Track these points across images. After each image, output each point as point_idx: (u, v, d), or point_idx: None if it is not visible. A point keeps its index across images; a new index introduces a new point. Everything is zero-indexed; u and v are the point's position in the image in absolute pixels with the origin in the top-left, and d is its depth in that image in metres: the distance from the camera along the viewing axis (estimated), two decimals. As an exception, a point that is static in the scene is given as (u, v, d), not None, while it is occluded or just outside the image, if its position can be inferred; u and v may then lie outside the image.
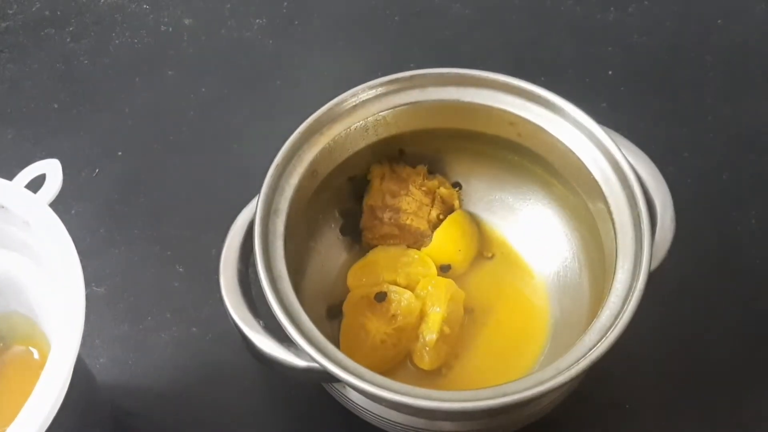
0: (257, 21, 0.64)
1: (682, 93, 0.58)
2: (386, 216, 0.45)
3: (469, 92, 0.42)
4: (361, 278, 0.45)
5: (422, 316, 0.42)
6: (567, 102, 0.41)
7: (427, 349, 0.41)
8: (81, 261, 0.34)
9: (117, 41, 0.63)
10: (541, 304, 0.45)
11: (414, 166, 0.46)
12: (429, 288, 0.43)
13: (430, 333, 0.41)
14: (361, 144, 0.43)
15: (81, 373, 0.37)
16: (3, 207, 0.36)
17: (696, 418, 0.45)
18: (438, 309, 0.42)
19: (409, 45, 0.62)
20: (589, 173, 0.39)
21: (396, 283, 0.44)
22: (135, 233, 0.53)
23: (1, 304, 0.42)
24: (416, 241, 0.45)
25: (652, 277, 0.36)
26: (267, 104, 0.59)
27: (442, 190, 0.46)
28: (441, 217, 0.46)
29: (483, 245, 0.47)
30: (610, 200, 0.38)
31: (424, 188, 0.45)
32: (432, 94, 0.42)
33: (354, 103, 0.42)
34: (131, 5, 0.65)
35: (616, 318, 0.35)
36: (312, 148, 0.41)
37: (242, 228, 0.39)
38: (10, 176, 0.38)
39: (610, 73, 0.59)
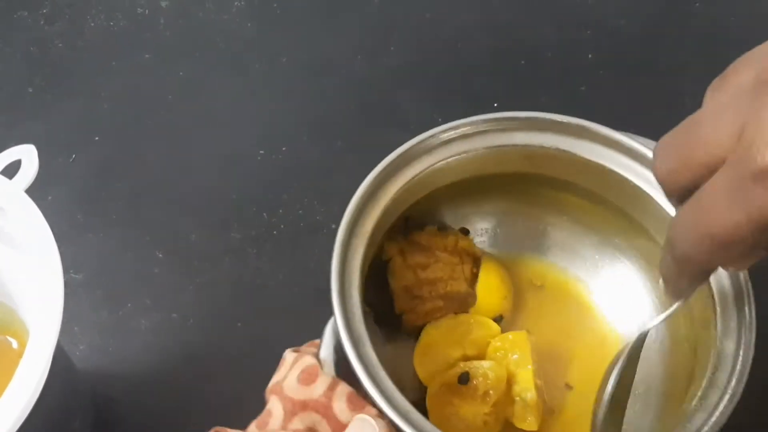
0: (236, 3, 0.63)
1: (661, 77, 0.58)
2: (425, 291, 0.41)
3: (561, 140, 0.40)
4: (429, 366, 0.41)
5: (510, 377, 0.40)
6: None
7: (531, 408, 0.39)
8: (58, 247, 0.34)
9: (92, 24, 0.62)
10: (608, 334, 0.43)
11: (422, 229, 0.43)
12: (504, 347, 0.40)
13: (527, 392, 0.39)
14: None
15: (61, 361, 0.37)
16: (-22, 193, 0.36)
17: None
18: (527, 366, 0.39)
19: (390, 27, 0.61)
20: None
21: (468, 358, 0.40)
22: (113, 219, 0.52)
23: (-23, 292, 0.41)
24: (462, 305, 0.42)
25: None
26: (246, 87, 0.58)
27: (463, 243, 0.43)
28: (474, 270, 0.43)
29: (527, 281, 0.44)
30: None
31: (448, 249, 0.42)
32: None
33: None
34: (106, -13, 0.64)
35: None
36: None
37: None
38: (-16, 162, 0.37)
39: (590, 56, 0.59)
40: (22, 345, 0.42)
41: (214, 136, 0.56)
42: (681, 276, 0.29)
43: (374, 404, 0.32)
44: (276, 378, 0.35)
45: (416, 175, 0.39)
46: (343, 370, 0.34)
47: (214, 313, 0.48)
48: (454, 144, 0.39)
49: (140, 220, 0.52)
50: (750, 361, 0.34)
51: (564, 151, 0.39)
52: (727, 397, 0.33)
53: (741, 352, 0.34)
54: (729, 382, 0.33)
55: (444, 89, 0.58)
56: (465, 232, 0.44)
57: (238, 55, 0.60)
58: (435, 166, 0.39)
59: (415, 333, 0.41)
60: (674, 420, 0.35)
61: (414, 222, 0.42)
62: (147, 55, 0.60)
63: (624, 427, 0.38)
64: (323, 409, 0.33)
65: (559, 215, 0.44)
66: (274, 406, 0.34)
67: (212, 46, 0.61)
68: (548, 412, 0.40)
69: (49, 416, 0.35)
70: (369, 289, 0.39)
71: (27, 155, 0.38)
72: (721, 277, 0.35)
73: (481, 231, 0.45)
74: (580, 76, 0.58)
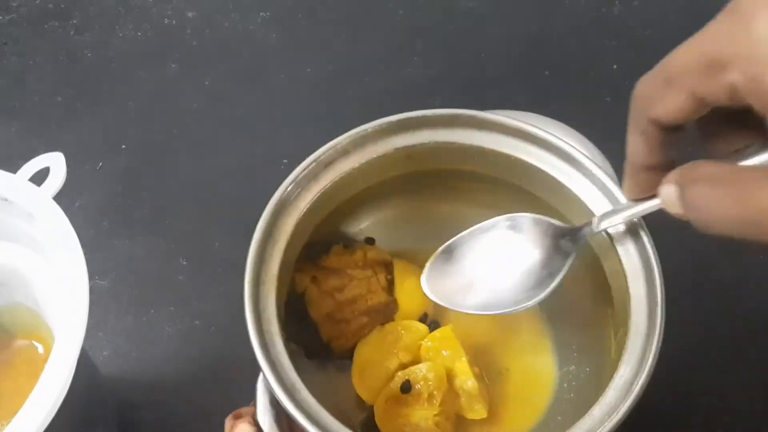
0: (261, 14, 0.64)
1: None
2: (348, 313, 0.40)
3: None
4: (370, 384, 0.40)
5: (449, 373, 0.39)
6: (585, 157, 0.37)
7: (475, 396, 0.39)
8: (84, 254, 0.34)
9: (120, 34, 0.63)
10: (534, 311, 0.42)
11: (328, 252, 0.42)
12: (435, 346, 0.40)
13: (467, 382, 0.39)
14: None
15: (85, 366, 0.37)
16: (7, 200, 0.37)
17: (701, 416, 0.45)
18: (461, 358, 0.39)
19: (413, 38, 0.62)
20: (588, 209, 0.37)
21: (404, 365, 0.40)
22: (138, 226, 0.53)
23: (5, 297, 0.42)
24: (386, 315, 0.41)
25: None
26: (271, 96, 0.59)
27: (371, 253, 0.42)
28: (389, 277, 0.42)
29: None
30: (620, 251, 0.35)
31: (359, 264, 0.42)
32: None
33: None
34: (135, -2, 0.65)
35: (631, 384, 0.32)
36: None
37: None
38: (14, 169, 0.38)
39: (614, 67, 0.59)
40: (48, 350, 0.42)
41: (238, 145, 0.56)
42: (636, 125, 0.28)
43: None
44: None
45: (306, 205, 0.38)
46: (285, 422, 0.34)
47: (237, 320, 0.48)
48: (337, 164, 0.39)
49: (165, 227, 0.53)
50: (662, 299, 0.33)
51: (443, 143, 0.39)
52: (650, 340, 0.33)
53: (655, 292, 0.33)
54: (649, 327, 0.33)
55: (468, 100, 0.58)
56: (370, 241, 0.43)
57: (264, 64, 0.61)
58: (324, 190, 0.38)
59: (348, 356, 0.41)
60: (608, 373, 0.34)
61: (317, 247, 0.41)
62: (173, 65, 0.61)
63: (566, 386, 0.39)
64: None
65: (466, 204, 0.43)
66: None
67: (238, 55, 0.61)
68: (496, 397, 0.40)
69: (73, 420, 0.35)
70: (290, 324, 0.38)
71: (55, 163, 0.38)
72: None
73: (389, 236, 0.44)
74: (605, 86, 0.58)
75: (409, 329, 0.41)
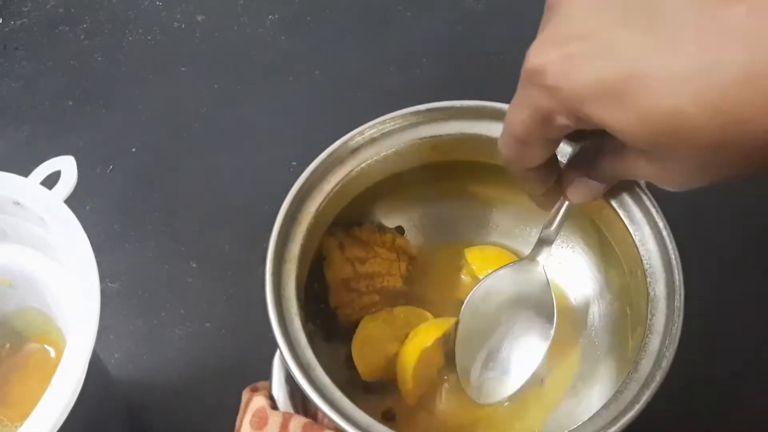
0: (270, 17, 0.64)
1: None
2: (363, 285, 0.41)
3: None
4: (368, 360, 0.41)
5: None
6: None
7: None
8: (95, 257, 0.34)
9: (130, 38, 0.63)
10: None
11: (361, 225, 0.42)
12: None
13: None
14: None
15: (96, 369, 0.37)
16: (19, 203, 0.37)
17: (705, 416, 0.44)
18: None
19: (422, 40, 0.62)
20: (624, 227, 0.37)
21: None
22: (149, 229, 0.53)
23: (17, 300, 0.42)
24: (395, 301, 0.42)
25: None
26: (280, 99, 0.59)
27: (399, 241, 0.43)
28: (410, 268, 0.43)
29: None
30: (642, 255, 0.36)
31: (386, 245, 0.42)
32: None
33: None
34: (144, 2, 0.66)
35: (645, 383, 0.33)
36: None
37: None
38: (25, 173, 0.38)
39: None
40: (59, 353, 0.42)
41: (248, 148, 0.57)
42: (520, 179, 0.33)
43: (339, 428, 0.31)
44: (237, 424, 0.35)
45: (332, 189, 0.38)
46: (299, 399, 0.34)
47: (247, 322, 0.48)
48: (363, 150, 0.39)
49: (175, 230, 0.53)
50: (682, 301, 0.34)
51: (469, 134, 0.40)
52: (667, 341, 0.33)
53: (674, 294, 0.34)
54: (667, 326, 0.33)
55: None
56: (401, 231, 0.44)
57: (273, 67, 0.61)
58: (350, 176, 0.39)
59: (351, 327, 0.41)
60: (623, 368, 0.35)
61: (352, 219, 0.42)
62: (183, 68, 0.61)
63: (577, 381, 0.40)
64: None
65: (489, 197, 0.44)
66: None
67: (247, 59, 0.62)
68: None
69: (85, 423, 0.35)
70: (310, 305, 0.39)
71: (66, 166, 0.38)
72: (641, 226, 0.36)
73: (412, 226, 0.45)
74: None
75: (419, 318, 0.42)
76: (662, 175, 0.27)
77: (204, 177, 0.55)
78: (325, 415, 0.32)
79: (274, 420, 0.33)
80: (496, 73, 0.60)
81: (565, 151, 0.36)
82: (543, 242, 0.37)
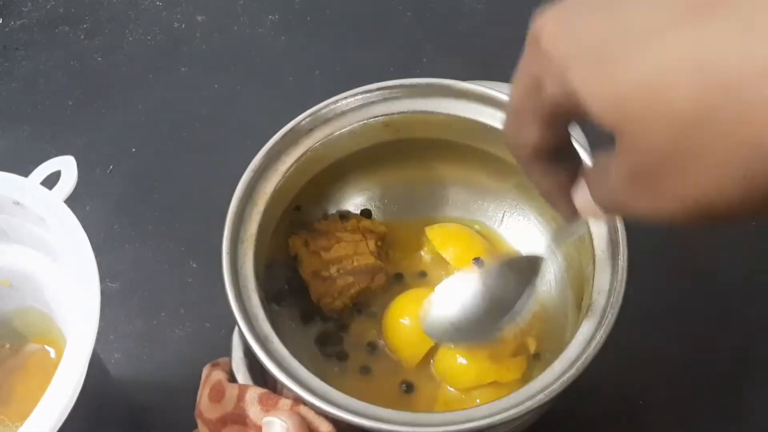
0: (270, 17, 0.64)
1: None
2: (333, 271, 0.41)
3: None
4: (407, 350, 0.41)
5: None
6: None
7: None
8: (95, 257, 0.34)
9: (130, 38, 0.64)
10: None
11: (325, 218, 0.44)
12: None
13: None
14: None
15: (96, 369, 0.37)
16: (19, 203, 0.37)
17: (709, 416, 0.45)
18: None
19: (422, 40, 0.62)
20: None
21: None
22: (149, 229, 0.53)
23: (17, 300, 0.42)
24: (374, 277, 0.42)
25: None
26: (280, 100, 0.59)
27: (365, 223, 0.43)
28: (378, 243, 0.43)
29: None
30: None
31: (349, 229, 0.43)
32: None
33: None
34: (144, 2, 0.66)
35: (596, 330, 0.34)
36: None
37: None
38: (25, 173, 0.38)
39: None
40: (59, 353, 0.42)
41: (248, 148, 0.56)
42: (522, 167, 0.29)
43: (297, 396, 0.32)
44: (197, 399, 0.35)
45: (287, 170, 0.39)
46: (258, 371, 0.35)
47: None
48: (317, 131, 0.40)
49: (175, 230, 0.53)
50: (626, 260, 0.34)
51: (421, 111, 0.40)
52: (611, 299, 0.34)
53: (617, 255, 0.35)
54: (611, 283, 0.34)
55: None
56: (367, 214, 0.45)
57: (273, 68, 0.61)
58: (304, 156, 0.40)
59: (336, 315, 0.42)
60: (573, 325, 0.36)
61: (304, 210, 0.43)
62: (183, 69, 0.61)
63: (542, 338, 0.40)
64: (241, 419, 0.33)
65: (445, 173, 0.44)
66: (201, 429, 0.35)
67: (247, 59, 0.62)
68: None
69: (85, 423, 0.35)
70: (281, 288, 0.41)
71: (66, 166, 0.38)
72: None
73: (371, 205, 0.45)
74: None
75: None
76: (621, 182, 0.23)
77: (204, 177, 0.55)
78: (283, 384, 0.32)
79: (231, 392, 0.34)
80: (496, 74, 0.60)
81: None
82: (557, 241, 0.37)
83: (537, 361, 0.41)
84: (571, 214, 0.30)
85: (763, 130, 0.18)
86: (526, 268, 0.36)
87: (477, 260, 0.42)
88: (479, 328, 0.37)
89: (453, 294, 0.38)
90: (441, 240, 0.43)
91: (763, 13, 0.18)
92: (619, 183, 0.23)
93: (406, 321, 0.41)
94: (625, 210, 0.24)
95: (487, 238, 0.45)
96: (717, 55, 0.19)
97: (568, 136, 0.28)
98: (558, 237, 0.36)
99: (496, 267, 0.38)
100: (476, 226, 0.45)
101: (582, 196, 0.29)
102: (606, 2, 0.22)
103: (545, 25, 0.24)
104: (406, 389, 0.40)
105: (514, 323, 0.36)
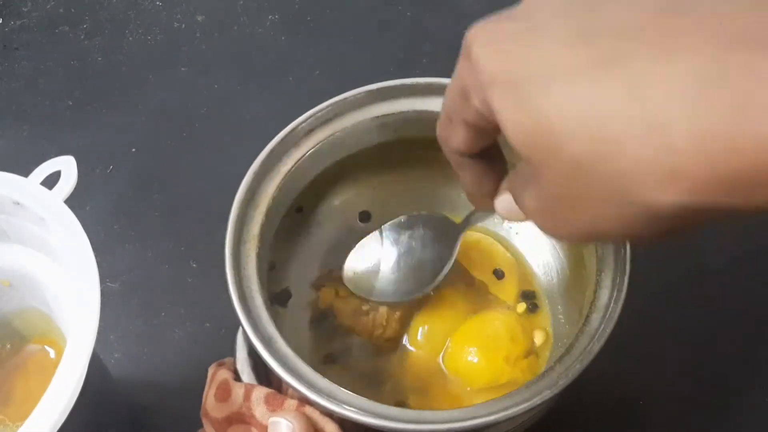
0: (270, 17, 0.64)
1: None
2: (371, 303, 0.41)
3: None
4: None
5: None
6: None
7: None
8: (95, 257, 0.34)
9: (130, 38, 0.64)
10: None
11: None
12: None
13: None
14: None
15: (96, 369, 0.37)
16: (19, 203, 0.37)
17: (709, 416, 0.45)
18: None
19: (422, 39, 0.62)
20: None
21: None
22: (149, 229, 0.53)
23: (17, 300, 0.42)
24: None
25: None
26: (280, 100, 0.59)
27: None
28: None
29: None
30: None
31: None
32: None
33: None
34: (144, 2, 0.66)
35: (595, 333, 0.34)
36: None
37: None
38: (25, 173, 0.38)
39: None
40: (59, 354, 0.42)
41: (248, 148, 0.56)
42: (453, 164, 0.31)
43: (302, 396, 0.32)
44: (203, 399, 0.35)
45: (288, 171, 0.39)
46: (262, 371, 0.35)
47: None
48: (317, 131, 0.40)
49: (175, 230, 0.53)
50: (629, 256, 0.35)
51: (421, 111, 0.40)
52: (615, 294, 0.34)
53: (620, 250, 0.35)
54: (615, 279, 0.35)
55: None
56: (367, 216, 0.45)
57: (273, 68, 0.61)
58: (305, 156, 0.40)
59: (392, 346, 0.42)
60: (577, 323, 0.36)
61: (307, 211, 0.43)
62: (183, 68, 0.61)
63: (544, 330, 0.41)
64: (247, 418, 0.33)
65: (445, 173, 0.44)
66: (207, 429, 0.34)
67: (247, 59, 0.62)
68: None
69: (85, 423, 0.35)
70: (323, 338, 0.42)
71: (66, 166, 0.38)
72: None
73: (370, 205, 0.46)
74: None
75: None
76: (535, 204, 0.25)
77: (204, 177, 0.55)
78: (288, 384, 0.32)
79: (237, 392, 0.34)
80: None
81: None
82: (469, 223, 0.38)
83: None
84: (485, 210, 0.33)
85: (632, 183, 0.21)
86: (442, 229, 0.39)
87: (496, 271, 0.43)
88: (402, 286, 0.39)
89: (371, 252, 0.40)
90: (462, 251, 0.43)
91: (648, 77, 0.20)
92: (530, 204, 0.26)
93: (473, 350, 0.40)
94: (536, 224, 0.26)
95: (488, 237, 0.45)
96: (606, 112, 0.21)
97: (494, 143, 0.30)
98: (469, 221, 0.38)
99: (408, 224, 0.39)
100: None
101: (505, 201, 0.31)
102: (536, 27, 0.23)
103: (477, 37, 0.25)
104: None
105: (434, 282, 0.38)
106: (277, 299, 0.42)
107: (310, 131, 0.40)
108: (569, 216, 0.24)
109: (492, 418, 0.31)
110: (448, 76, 0.41)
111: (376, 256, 0.40)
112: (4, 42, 0.64)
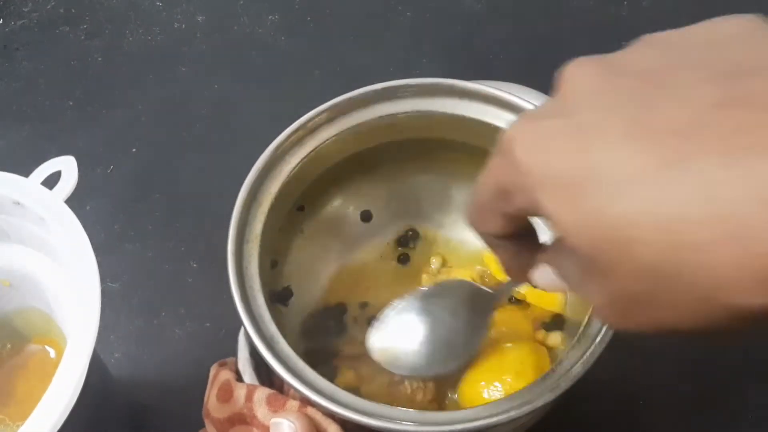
0: (270, 17, 0.64)
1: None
2: None
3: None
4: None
5: None
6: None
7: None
8: (96, 257, 0.34)
9: (131, 38, 0.64)
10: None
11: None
12: None
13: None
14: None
15: (96, 368, 0.37)
16: (19, 203, 0.37)
17: (709, 415, 0.45)
18: None
19: (421, 40, 0.62)
20: None
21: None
22: (149, 229, 0.53)
23: (18, 300, 0.42)
24: None
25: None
26: (280, 101, 0.59)
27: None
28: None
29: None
30: None
31: None
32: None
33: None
34: (144, 2, 0.66)
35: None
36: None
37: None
38: (26, 173, 0.38)
39: (623, 67, 0.59)
40: (60, 354, 0.42)
41: (248, 148, 0.56)
42: (485, 242, 0.30)
43: (304, 397, 0.32)
44: (205, 399, 0.35)
45: (291, 170, 0.39)
46: (264, 372, 0.35)
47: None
48: (321, 131, 0.40)
49: (175, 230, 0.53)
50: None
51: (425, 111, 0.40)
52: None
53: None
54: None
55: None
56: (367, 215, 0.45)
57: (273, 68, 0.61)
58: (309, 156, 0.40)
59: None
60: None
61: (308, 210, 0.43)
62: (183, 69, 0.61)
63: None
64: (249, 419, 0.33)
65: (449, 174, 0.44)
66: (209, 429, 0.35)
67: (247, 59, 0.62)
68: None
69: (85, 422, 0.35)
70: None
71: (67, 166, 0.39)
72: None
73: (374, 206, 0.45)
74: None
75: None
76: (601, 300, 0.24)
77: (204, 177, 0.55)
78: (290, 385, 0.32)
79: (239, 392, 0.34)
80: (496, 74, 0.60)
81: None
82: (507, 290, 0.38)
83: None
84: (522, 282, 0.32)
85: (717, 288, 0.20)
86: (478, 302, 0.37)
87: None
88: (436, 359, 0.37)
89: (398, 325, 0.38)
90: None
91: (721, 180, 0.19)
92: (594, 298, 0.24)
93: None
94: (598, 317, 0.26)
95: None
96: (681, 218, 0.20)
97: (528, 224, 0.29)
98: (501, 294, 0.37)
99: (441, 295, 0.38)
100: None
101: (544, 273, 0.30)
102: (585, 125, 0.22)
103: (518, 137, 0.24)
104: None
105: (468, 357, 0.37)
106: (279, 298, 0.42)
107: (314, 130, 0.40)
108: (642, 314, 0.23)
109: (494, 419, 0.31)
110: (448, 76, 0.41)
111: (403, 329, 0.38)
112: (5, 42, 0.64)
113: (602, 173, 0.21)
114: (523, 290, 0.42)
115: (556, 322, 0.41)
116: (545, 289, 0.31)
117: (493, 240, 0.30)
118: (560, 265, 0.28)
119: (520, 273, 0.31)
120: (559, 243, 0.29)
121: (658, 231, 0.20)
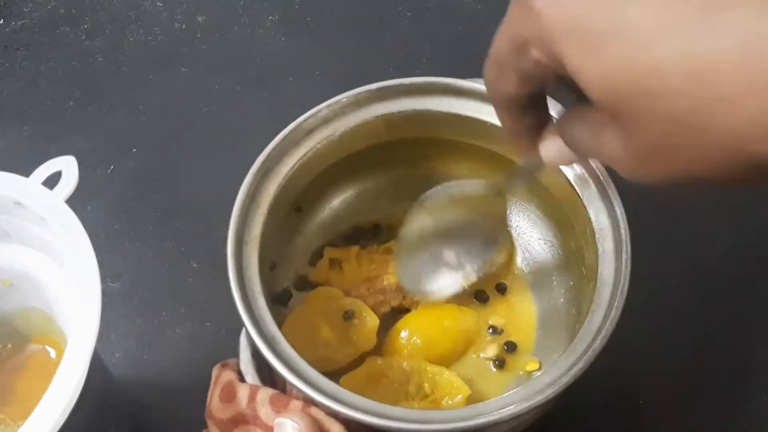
0: (270, 18, 0.64)
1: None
2: (363, 289, 0.43)
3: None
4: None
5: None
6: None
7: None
8: (96, 257, 0.34)
9: (131, 39, 0.64)
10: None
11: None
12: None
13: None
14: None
15: (97, 368, 0.37)
16: (20, 204, 0.37)
17: (708, 415, 0.45)
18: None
19: (421, 40, 0.62)
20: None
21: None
22: (149, 229, 0.53)
23: (18, 300, 0.42)
24: (404, 295, 0.43)
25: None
26: (280, 101, 0.59)
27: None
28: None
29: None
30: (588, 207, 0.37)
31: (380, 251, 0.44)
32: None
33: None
34: (145, 3, 0.66)
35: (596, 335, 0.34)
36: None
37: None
38: (26, 173, 0.38)
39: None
40: (60, 354, 0.42)
41: (248, 148, 0.56)
42: (498, 110, 0.30)
43: (307, 397, 0.32)
44: (208, 400, 0.35)
45: (288, 171, 0.39)
46: (266, 373, 0.35)
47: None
48: (318, 131, 0.40)
49: (176, 230, 0.53)
50: (629, 253, 0.35)
51: (421, 110, 0.40)
52: (617, 293, 0.34)
53: (621, 248, 0.35)
54: (617, 278, 0.34)
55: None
56: (378, 228, 0.45)
57: (273, 68, 0.61)
58: (306, 157, 0.40)
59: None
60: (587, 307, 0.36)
61: (306, 210, 0.44)
62: (183, 69, 0.61)
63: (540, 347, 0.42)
64: (252, 419, 0.33)
65: (446, 171, 0.44)
66: (211, 429, 0.35)
67: (247, 59, 0.62)
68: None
69: (86, 422, 0.35)
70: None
71: (67, 166, 0.39)
72: (588, 185, 0.37)
73: (371, 204, 0.46)
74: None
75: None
76: (622, 153, 0.24)
77: (204, 177, 0.55)
78: (293, 385, 0.32)
79: (242, 393, 0.34)
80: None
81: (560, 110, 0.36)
82: (515, 177, 0.37)
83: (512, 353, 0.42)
84: (531, 152, 0.32)
85: (745, 139, 0.20)
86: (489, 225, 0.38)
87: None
88: (446, 280, 0.39)
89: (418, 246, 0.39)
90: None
91: (760, 31, 0.19)
92: (614, 152, 0.24)
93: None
94: (618, 170, 0.25)
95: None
96: (714, 69, 0.20)
97: (543, 90, 0.29)
98: (513, 178, 0.37)
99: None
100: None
101: (552, 145, 0.30)
102: None
103: None
104: None
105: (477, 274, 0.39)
106: (278, 299, 0.42)
107: (310, 131, 0.40)
108: (663, 164, 0.23)
109: (495, 416, 0.31)
110: (449, 75, 0.41)
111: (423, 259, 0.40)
112: (6, 42, 0.64)
113: (631, 22, 0.21)
114: (500, 322, 0.43)
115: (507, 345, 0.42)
116: (553, 162, 0.31)
117: (505, 105, 0.29)
118: (572, 131, 0.28)
119: (530, 145, 0.31)
120: (570, 110, 0.28)
121: (690, 81, 0.20)
